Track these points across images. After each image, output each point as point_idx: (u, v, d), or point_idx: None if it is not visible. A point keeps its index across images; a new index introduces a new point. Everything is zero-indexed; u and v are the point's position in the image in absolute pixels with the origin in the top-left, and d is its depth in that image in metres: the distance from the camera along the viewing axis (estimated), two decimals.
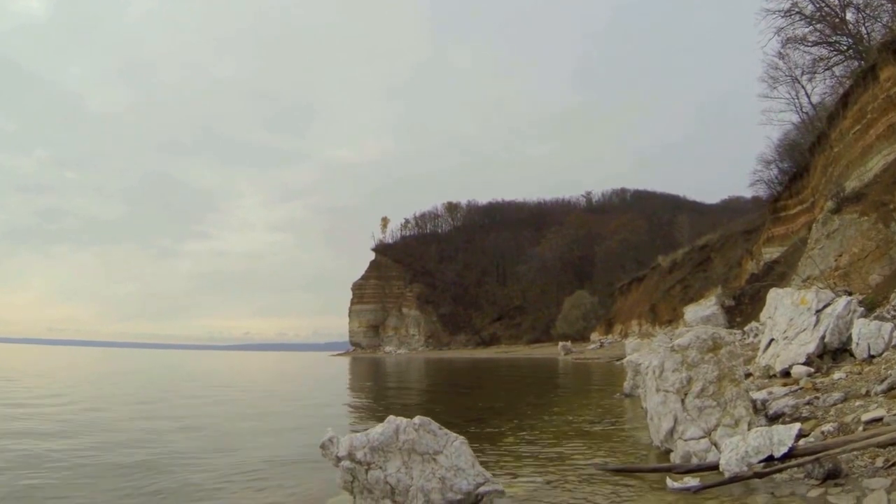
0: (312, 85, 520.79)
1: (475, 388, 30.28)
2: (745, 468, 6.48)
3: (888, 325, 11.28)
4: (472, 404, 20.80)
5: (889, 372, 9.36)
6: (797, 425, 6.87)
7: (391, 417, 6.56)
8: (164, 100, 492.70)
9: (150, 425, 14.25)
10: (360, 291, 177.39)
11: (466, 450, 6.34)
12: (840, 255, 25.02)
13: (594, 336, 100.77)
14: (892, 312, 13.20)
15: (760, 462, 6.48)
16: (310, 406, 20.84)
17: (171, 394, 24.71)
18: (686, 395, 8.25)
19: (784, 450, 6.42)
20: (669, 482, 6.82)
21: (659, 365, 8.67)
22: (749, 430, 7.27)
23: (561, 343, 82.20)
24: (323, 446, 6.60)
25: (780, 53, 45.01)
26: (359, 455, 6.34)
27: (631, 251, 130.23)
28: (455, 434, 6.49)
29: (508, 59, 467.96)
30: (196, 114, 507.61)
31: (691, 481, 6.75)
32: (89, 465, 9.24)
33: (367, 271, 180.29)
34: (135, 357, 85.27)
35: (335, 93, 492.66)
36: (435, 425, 6.46)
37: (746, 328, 27.78)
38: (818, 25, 40.97)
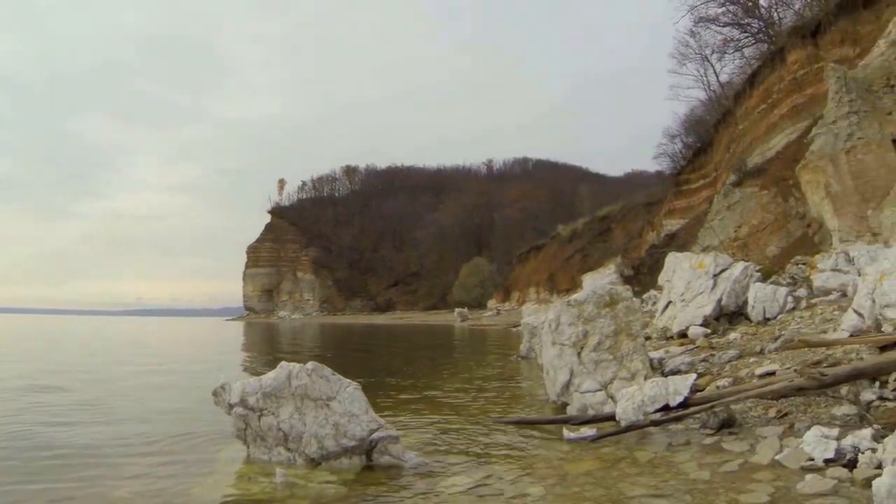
0: (213, 42, 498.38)
1: (372, 351, 30.03)
2: (642, 417, 6.50)
3: (783, 290, 11.82)
4: (369, 364, 20.57)
5: (783, 332, 9.69)
6: (693, 375, 6.96)
7: (283, 363, 6.37)
8: (56, 51, 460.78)
9: (31, 383, 13.34)
10: (254, 255, 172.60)
11: (360, 395, 6.19)
12: (739, 227, 26.01)
13: (491, 303, 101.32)
14: (788, 279, 13.86)
15: (657, 411, 6.52)
16: (202, 369, 19.87)
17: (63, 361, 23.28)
18: (582, 348, 8.27)
19: (680, 399, 6.48)
20: (566, 433, 6.80)
21: (555, 318, 8.65)
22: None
23: (457, 310, 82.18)
24: (215, 393, 6.48)
25: (692, 31, 46.19)
26: (251, 401, 6.20)
27: (531, 220, 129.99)
28: (348, 380, 6.31)
29: (407, 24, 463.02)
30: (90, 67, 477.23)
31: (588, 432, 6.74)
32: None
33: (262, 234, 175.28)
34: (18, 325, 79.01)
35: (235, 50, 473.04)
36: (328, 371, 6.27)
37: (644, 296, 28.47)
38: (731, 7, 42.86)
